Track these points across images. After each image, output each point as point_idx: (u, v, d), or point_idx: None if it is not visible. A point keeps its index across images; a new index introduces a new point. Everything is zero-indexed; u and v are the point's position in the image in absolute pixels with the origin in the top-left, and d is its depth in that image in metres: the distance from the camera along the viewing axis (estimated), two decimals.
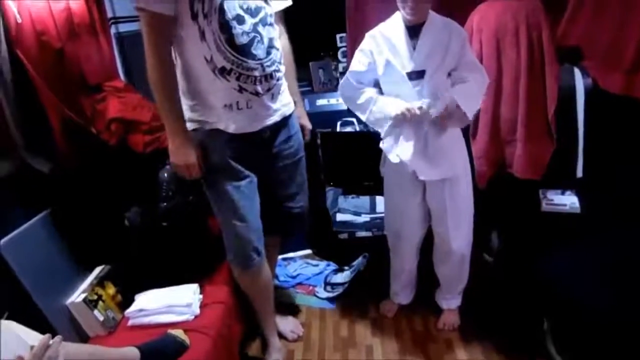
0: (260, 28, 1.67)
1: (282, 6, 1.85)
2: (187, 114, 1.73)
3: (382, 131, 1.94)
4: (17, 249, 1.66)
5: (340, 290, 2.61)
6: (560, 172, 2.13)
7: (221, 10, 1.57)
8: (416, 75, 1.82)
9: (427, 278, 2.35)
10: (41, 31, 1.77)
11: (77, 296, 1.82)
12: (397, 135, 1.89)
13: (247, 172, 1.82)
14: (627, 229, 1.96)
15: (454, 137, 1.94)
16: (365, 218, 2.82)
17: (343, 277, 2.67)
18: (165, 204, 2.03)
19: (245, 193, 1.82)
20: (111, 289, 1.95)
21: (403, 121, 1.83)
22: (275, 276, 2.58)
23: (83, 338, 1.82)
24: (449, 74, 1.88)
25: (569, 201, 2.21)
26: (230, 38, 1.60)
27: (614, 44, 1.89)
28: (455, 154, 1.98)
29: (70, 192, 1.92)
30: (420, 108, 1.78)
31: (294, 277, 2.80)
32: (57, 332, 1.51)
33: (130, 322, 1.88)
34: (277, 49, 1.77)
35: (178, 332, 1.73)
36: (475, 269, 2.26)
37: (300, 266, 2.88)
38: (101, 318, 1.83)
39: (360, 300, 2.55)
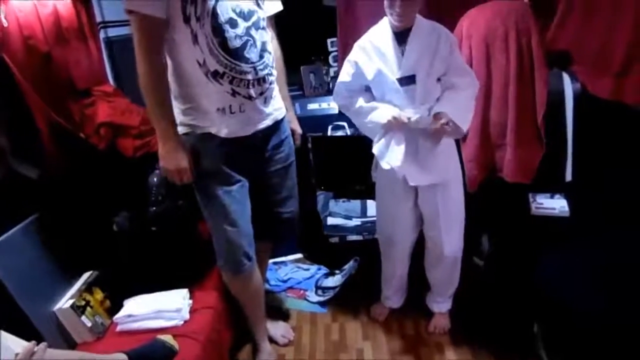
0: (253, 32, 1.67)
1: (273, 11, 1.85)
2: (178, 117, 1.72)
3: (375, 138, 1.95)
4: (4, 254, 1.64)
5: (331, 294, 2.61)
6: (549, 176, 2.14)
7: (214, 14, 1.56)
8: (407, 80, 1.82)
9: (418, 282, 2.35)
10: (28, 35, 1.76)
11: (65, 302, 1.80)
12: (388, 141, 1.90)
13: (238, 177, 1.81)
14: (616, 232, 1.97)
15: (444, 142, 1.94)
16: (356, 222, 2.81)
17: (334, 281, 2.66)
18: (154, 208, 2.02)
19: (237, 198, 1.81)
20: (99, 295, 1.93)
21: (393, 128, 1.84)
22: (266, 280, 2.57)
23: (71, 344, 1.80)
24: (439, 79, 1.88)
25: (558, 205, 2.22)
26: (223, 41, 1.60)
27: (603, 49, 1.90)
28: (447, 159, 1.98)
29: (58, 197, 1.91)
30: (409, 119, 1.80)
31: (284, 281, 2.79)
32: (44, 339, 1.49)
33: (118, 328, 1.86)
34: (270, 53, 1.77)
35: (167, 338, 1.71)
36: (465, 272, 2.27)
37: (291, 270, 2.88)
38: (89, 324, 1.81)
39: (351, 304, 2.55)
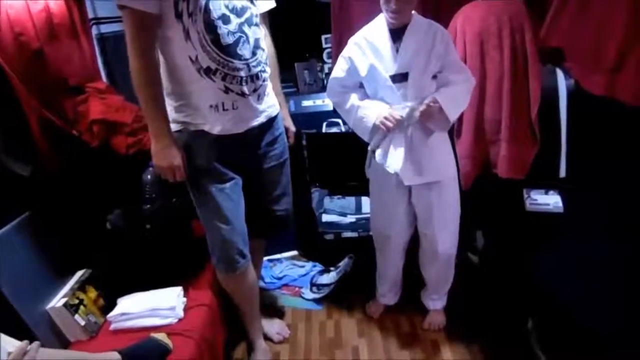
0: (245, 28, 1.66)
1: (267, 8, 1.84)
2: (171, 114, 1.71)
3: (366, 138, 1.96)
4: None
5: (326, 291, 2.61)
6: (543, 172, 2.15)
7: (206, 10, 1.55)
8: (400, 77, 1.82)
9: (412, 278, 2.36)
10: (19, 32, 1.75)
11: (58, 301, 1.78)
12: (387, 145, 1.90)
13: (232, 174, 1.80)
14: (610, 228, 1.98)
15: (439, 139, 1.94)
16: (351, 219, 2.82)
17: (329, 278, 2.66)
18: (148, 206, 2.01)
19: (230, 195, 1.80)
20: (93, 293, 1.92)
21: (385, 131, 1.84)
22: (261, 278, 2.57)
23: (64, 343, 1.79)
24: (435, 76, 1.88)
25: (552, 200, 2.23)
26: (215, 38, 1.58)
27: (596, 45, 1.90)
28: (442, 157, 1.98)
29: (50, 195, 1.89)
30: (401, 117, 1.80)
31: (279, 279, 2.79)
32: (37, 338, 1.47)
33: (112, 326, 1.85)
34: (263, 50, 1.76)
35: (161, 336, 1.70)
36: (460, 268, 2.27)
37: (286, 267, 2.88)
38: (82, 323, 1.80)
39: (346, 301, 2.55)
